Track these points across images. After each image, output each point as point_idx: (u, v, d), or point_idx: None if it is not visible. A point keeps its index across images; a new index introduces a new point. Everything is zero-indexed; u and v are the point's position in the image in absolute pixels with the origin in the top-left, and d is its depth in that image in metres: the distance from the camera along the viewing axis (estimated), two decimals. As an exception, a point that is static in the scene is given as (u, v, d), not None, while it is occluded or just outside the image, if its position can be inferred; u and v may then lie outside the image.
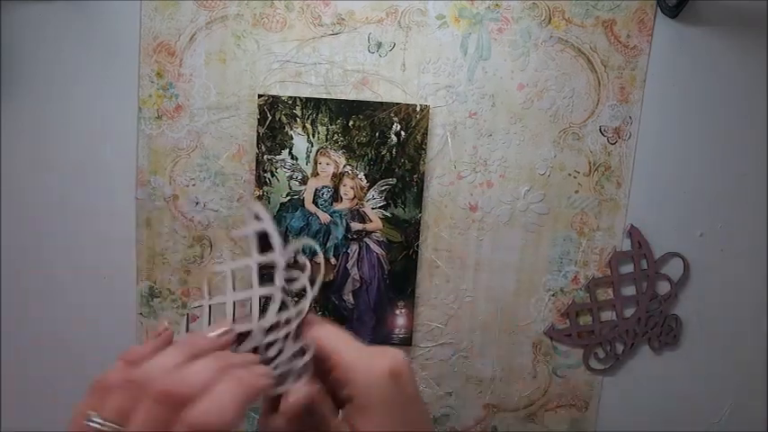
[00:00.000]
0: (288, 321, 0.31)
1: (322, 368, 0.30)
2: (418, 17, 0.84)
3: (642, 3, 0.84)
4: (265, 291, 0.32)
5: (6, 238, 0.88)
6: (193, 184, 0.87)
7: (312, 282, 0.32)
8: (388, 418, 0.28)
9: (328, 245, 0.88)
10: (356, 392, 0.28)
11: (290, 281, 0.32)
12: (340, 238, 0.88)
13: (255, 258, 0.32)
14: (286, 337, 0.31)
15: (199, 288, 0.89)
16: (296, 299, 0.32)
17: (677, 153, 0.88)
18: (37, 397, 0.92)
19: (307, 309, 0.31)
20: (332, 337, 0.31)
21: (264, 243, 0.32)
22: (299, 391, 0.29)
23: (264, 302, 0.32)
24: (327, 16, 0.83)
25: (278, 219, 0.87)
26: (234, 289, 0.33)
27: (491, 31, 0.84)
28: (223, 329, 0.31)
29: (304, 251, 0.33)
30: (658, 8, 0.84)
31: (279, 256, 0.31)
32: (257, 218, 0.32)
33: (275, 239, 0.32)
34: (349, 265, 0.88)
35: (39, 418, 0.92)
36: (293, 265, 0.32)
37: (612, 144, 0.87)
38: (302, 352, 0.30)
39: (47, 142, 0.86)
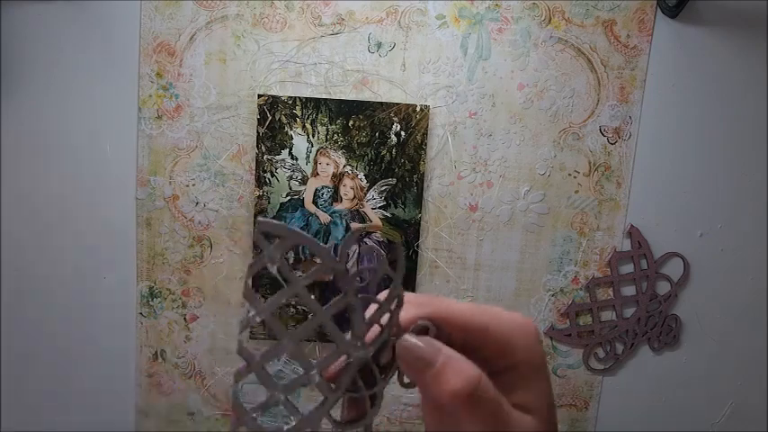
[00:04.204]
0: (387, 316, 0.26)
1: (463, 345, 0.27)
2: (418, 17, 0.84)
3: (642, 3, 0.84)
4: (339, 305, 0.26)
5: (6, 238, 0.88)
6: (193, 184, 0.87)
7: (394, 266, 0.26)
8: (546, 379, 0.27)
9: (328, 245, 0.88)
10: (519, 360, 0.26)
11: (361, 279, 0.26)
12: (340, 238, 0.88)
13: (301, 279, 0.25)
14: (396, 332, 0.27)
15: (199, 288, 0.90)
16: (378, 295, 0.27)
17: (677, 153, 0.88)
18: (37, 397, 0.92)
19: (402, 295, 0.26)
20: (471, 314, 0.27)
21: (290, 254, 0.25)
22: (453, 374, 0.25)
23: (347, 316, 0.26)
24: (327, 16, 0.83)
25: (277, 219, 0.87)
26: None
27: (491, 31, 0.84)
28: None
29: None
30: (658, 8, 0.84)
31: (334, 262, 0.25)
32: (267, 234, 0.24)
33: (317, 246, 0.25)
34: (348, 266, 0.88)
35: (39, 418, 0.92)
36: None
37: (612, 144, 0.87)
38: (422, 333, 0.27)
39: (47, 142, 0.86)
